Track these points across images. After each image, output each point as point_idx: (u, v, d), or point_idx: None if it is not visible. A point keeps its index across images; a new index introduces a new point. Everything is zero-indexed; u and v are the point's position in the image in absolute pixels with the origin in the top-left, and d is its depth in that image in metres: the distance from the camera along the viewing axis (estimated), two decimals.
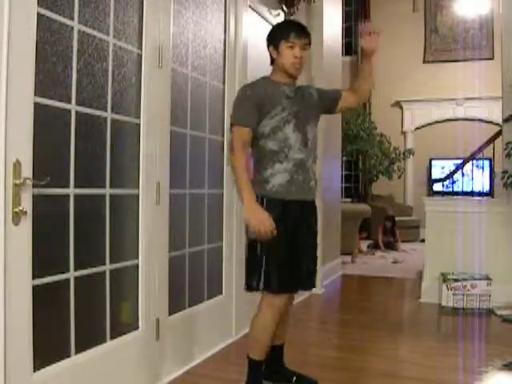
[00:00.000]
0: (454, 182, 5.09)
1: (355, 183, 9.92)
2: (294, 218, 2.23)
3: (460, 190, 5.06)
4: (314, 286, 2.41)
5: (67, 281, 2.02)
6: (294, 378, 2.48)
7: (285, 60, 2.23)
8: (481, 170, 5.09)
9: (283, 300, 2.24)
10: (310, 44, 2.28)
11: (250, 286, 2.25)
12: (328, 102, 2.42)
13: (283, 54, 2.23)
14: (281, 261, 2.19)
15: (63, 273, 2.00)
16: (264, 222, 2.11)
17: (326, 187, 4.84)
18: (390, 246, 7.80)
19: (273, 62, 2.32)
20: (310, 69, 4.65)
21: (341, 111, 2.56)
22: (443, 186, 5.16)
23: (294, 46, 2.20)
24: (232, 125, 2.25)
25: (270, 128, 2.21)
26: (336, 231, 5.53)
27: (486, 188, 5.11)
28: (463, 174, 4.81)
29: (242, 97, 2.26)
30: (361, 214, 6.89)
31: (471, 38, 9.13)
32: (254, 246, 2.21)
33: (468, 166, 4.81)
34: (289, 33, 2.21)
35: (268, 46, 2.30)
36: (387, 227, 7.89)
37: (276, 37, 2.25)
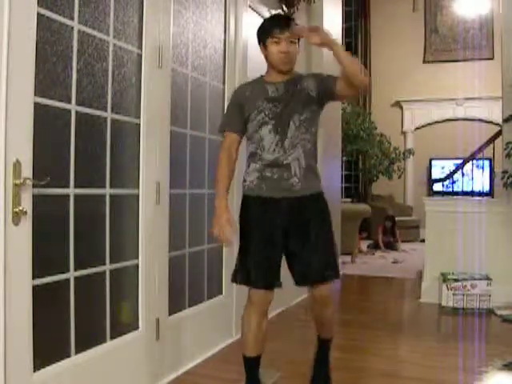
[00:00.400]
0: (453, 182, 5.09)
1: (355, 183, 9.92)
2: (269, 215, 2.20)
3: (460, 190, 5.06)
4: (328, 278, 2.27)
5: (67, 281, 2.02)
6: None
7: (272, 56, 2.20)
8: (481, 169, 5.09)
9: (257, 295, 2.20)
10: (298, 39, 2.21)
11: (232, 277, 2.30)
12: (326, 91, 2.27)
13: (270, 50, 2.19)
14: (250, 255, 2.20)
15: (63, 273, 2.00)
16: (222, 229, 2.16)
17: (326, 187, 4.83)
18: (390, 246, 7.80)
19: (266, 60, 2.28)
20: (310, 69, 4.64)
21: (341, 98, 2.49)
22: (443, 185, 5.16)
23: (280, 41, 2.15)
24: (221, 131, 2.33)
25: (250, 131, 2.25)
26: (336, 231, 5.51)
27: (486, 188, 5.10)
28: (463, 174, 4.81)
29: (229, 102, 2.35)
30: (361, 214, 6.89)
31: (471, 38, 9.12)
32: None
33: (468, 166, 4.81)
34: (272, 28, 2.17)
35: (259, 45, 2.28)
36: (387, 227, 7.89)
37: (262, 34, 2.22)
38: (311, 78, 2.31)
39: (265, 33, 2.20)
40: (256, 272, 2.19)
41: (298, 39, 2.22)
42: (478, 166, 5.20)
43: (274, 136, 2.19)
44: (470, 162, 4.79)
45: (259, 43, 2.25)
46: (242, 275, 2.23)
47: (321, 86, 2.27)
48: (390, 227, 7.89)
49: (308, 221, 2.25)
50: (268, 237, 2.20)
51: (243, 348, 2.30)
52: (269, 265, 2.21)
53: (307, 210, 2.27)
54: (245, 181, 2.29)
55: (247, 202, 2.27)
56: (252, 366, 2.31)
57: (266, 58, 2.24)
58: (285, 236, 2.22)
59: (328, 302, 2.36)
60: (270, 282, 2.22)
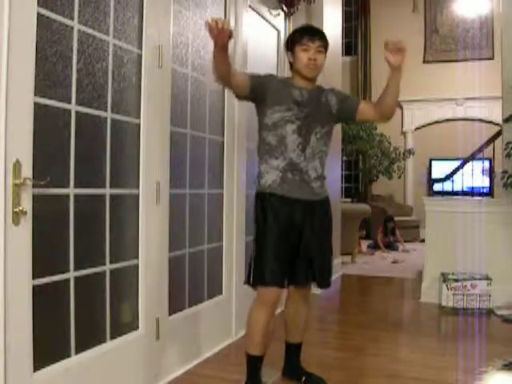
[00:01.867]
0: (452, 181, 5.09)
1: (355, 183, 9.92)
2: (289, 216, 2.27)
3: (460, 189, 5.07)
4: (328, 285, 2.42)
5: (67, 281, 2.02)
6: (304, 378, 2.50)
7: (299, 63, 2.28)
8: (481, 169, 5.09)
9: (271, 295, 2.25)
10: (326, 47, 2.32)
11: (246, 279, 2.34)
12: (346, 113, 2.42)
13: (298, 57, 2.28)
14: (266, 254, 2.23)
15: (63, 273, 2.00)
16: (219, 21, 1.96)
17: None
18: (390, 246, 7.80)
19: (291, 67, 2.38)
20: None
21: (359, 122, 2.62)
22: (443, 185, 5.17)
23: (308, 48, 2.25)
24: None
25: (271, 121, 2.28)
26: (336, 231, 5.52)
27: (486, 188, 5.10)
28: (463, 174, 4.81)
29: (261, 75, 2.39)
30: (361, 214, 6.89)
31: (471, 38, 9.12)
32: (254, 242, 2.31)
33: (468, 166, 4.81)
34: (302, 36, 2.27)
35: (286, 53, 2.39)
36: (388, 228, 7.88)
37: (292, 42, 2.32)
38: (333, 94, 2.42)
39: (295, 40, 2.30)
40: (272, 271, 2.22)
41: (325, 52, 2.31)
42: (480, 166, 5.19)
43: (296, 137, 2.27)
44: (470, 162, 4.80)
45: (287, 50, 2.35)
46: (257, 275, 2.25)
47: (341, 105, 2.39)
48: (391, 228, 7.88)
49: (319, 225, 2.34)
50: (286, 236, 2.25)
51: (249, 346, 2.33)
52: (284, 264, 2.26)
53: (320, 214, 2.36)
54: (263, 177, 2.31)
55: (267, 200, 2.29)
56: (257, 365, 2.34)
57: (292, 65, 2.33)
58: (297, 236, 2.28)
59: (307, 301, 2.48)
60: (284, 281, 2.28)
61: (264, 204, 2.29)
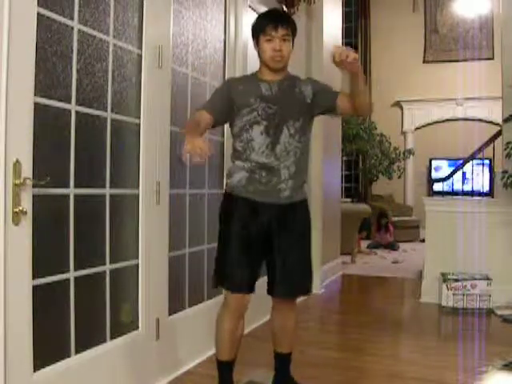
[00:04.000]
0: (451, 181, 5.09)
1: (355, 183, 9.92)
2: (253, 220, 2.13)
3: (460, 189, 5.06)
4: (300, 292, 2.30)
5: (67, 281, 2.02)
6: None
7: (264, 55, 2.12)
8: (481, 169, 5.09)
9: (233, 300, 2.15)
10: (293, 34, 2.14)
11: (212, 282, 2.26)
12: (324, 103, 2.22)
13: (262, 48, 2.12)
14: (226, 258, 2.15)
15: (63, 273, 2.00)
16: (196, 142, 1.85)
17: (326, 187, 4.83)
18: (390, 246, 7.81)
19: (259, 57, 2.22)
20: (310, 69, 4.65)
21: (341, 115, 2.45)
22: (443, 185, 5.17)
23: (272, 38, 2.08)
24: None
25: (238, 128, 2.16)
26: (336, 231, 5.52)
27: (486, 188, 5.10)
28: (464, 174, 4.80)
29: (217, 89, 2.31)
30: (361, 214, 6.89)
31: (471, 38, 9.12)
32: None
33: (468, 166, 4.81)
34: (265, 25, 2.09)
35: (252, 41, 2.21)
36: (382, 224, 7.91)
37: (255, 31, 2.15)
38: (309, 83, 2.24)
39: (258, 29, 2.13)
40: (232, 275, 2.13)
41: (293, 37, 2.15)
42: (479, 165, 5.20)
43: (265, 138, 2.11)
44: (470, 162, 4.79)
45: (253, 38, 2.18)
46: (218, 277, 2.19)
47: (318, 95, 2.20)
48: (384, 224, 7.90)
49: (290, 231, 2.17)
50: (248, 240, 2.12)
51: (216, 351, 2.27)
52: (246, 268, 2.13)
53: (292, 219, 2.19)
54: (230, 176, 2.20)
55: (231, 200, 2.18)
56: (224, 369, 2.26)
57: (259, 54, 2.18)
58: (266, 242, 2.15)
59: (293, 310, 2.33)
60: (247, 285, 2.14)
61: (227, 204, 2.19)
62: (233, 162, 2.21)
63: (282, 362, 2.38)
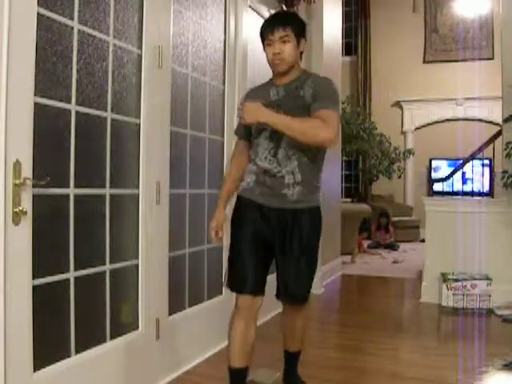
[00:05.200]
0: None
1: (355, 183, 9.92)
2: (261, 222, 2.13)
3: (460, 189, 5.06)
4: (295, 301, 2.24)
5: (67, 281, 2.02)
6: None
7: (267, 59, 2.15)
8: (481, 170, 5.09)
9: (243, 301, 2.11)
10: (295, 33, 2.07)
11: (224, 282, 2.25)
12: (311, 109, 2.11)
13: (266, 52, 2.14)
14: (233, 259, 2.16)
15: (63, 273, 2.00)
16: (209, 231, 2.27)
17: (326, 187, 4.83)
18: (390, 246, 7.81)
19: None
20: (310, 69, 4.64)
21: None
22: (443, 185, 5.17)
23: (272, 42, 2.08)
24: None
25: (253, 132, 2.19)
26: (336, 231, 5.53)
27: (486, 188, 5.10)
28: (463, 174, 4.80)
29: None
30: (361, 214, 6.89)
31: (471, 38, 9.12)
32: None
33: (468, 166, 4.81)
34: (263, 31, 2.12)
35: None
36: (382, 223, 7.91)
37: (260, 37, 2.16)
38: (312, 84, 2.14)
39: (260, 35, 2.16)
40: (242, 277, 2.11)
41: (297, 37, 2.09)
42: (481, 165, 5.19)
43: (268, 143, 2.11)
44: (470, 162, 4.80)
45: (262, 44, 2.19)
46: (230, 280, 2.17)
47: (313, 99, 2.09)
48: (384, 224, 7.90)
49: (293, 238, 2.13)
50: (255, 242, 2.12)
51: (228, 358, 2.16)
52: (252, 269, 2.11)
53: (296, 225, 2.13)
54: (243, 180, 2.24)
55: (240, 203, 2.21)
56: (235, 378, 2.15)
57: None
58: (272, 245, 2.15)
59: (301, 312, 2.33)
60: (257, 287, 2.12)
61: (237, 207, 2.21)
62: (248, 167, 2.23)
63: (291, 361, 2.41)
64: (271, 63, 2.13)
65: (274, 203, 2.13)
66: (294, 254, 2.14)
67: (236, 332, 2.12)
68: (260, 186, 2.14)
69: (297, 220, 2.13)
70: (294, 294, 2.20)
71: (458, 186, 5.14)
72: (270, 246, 2.15)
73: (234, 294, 2.17)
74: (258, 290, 2.13)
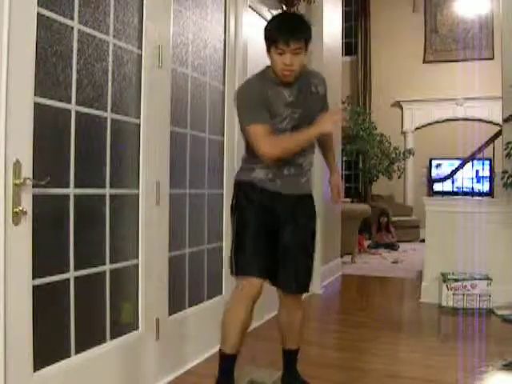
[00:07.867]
0: (452, 181, 5.08)
1: (355, 183, 9.92)
2: (275, 208, 2.19)
3: (460, 189, 5.07)
4: (301, 289, 2.29)
5: (67, 281, 2.02)
6: None
7: (275, 66, 2.09)
8: (481, 169, 5.09)
9: (247, 286, 2.11)
10: (306, 44, 2.07)
11: (230, 270, 2.24)
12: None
13: (273, 59, 2.08)
14: (243, 243, 2.16)
15: (63, 273, 2.00)
16: (329, 118, 2.12)
17: (326, 187, 4.82)
18: (390, 246, 7.81)
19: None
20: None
21: None
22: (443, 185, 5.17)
23: (283, 52, 2.03)
24: (246, 127, 2.15)
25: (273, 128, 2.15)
26: (336, 231, 5.52)
27: (486, 188, 5.10)
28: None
29: (250, 97, 2.15)
30: (361, 214, 6.89)
31: (471, 38, 9.12)
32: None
33: (468, 166, 4.81)
34: (277, 39, 2.02)
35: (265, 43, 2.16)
36: (382, 223, 7.91)
37: (267, 39, 2.09)
38: (322, 84, 2.28)
39: (270, 39, 2.06)
40: (254, 261, 2.13)
41: (307, 46, 2.09)
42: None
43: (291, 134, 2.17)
44: (471, 162, 4.80)
45: (265, 41, 2.11)
46: (238, 263, 2.16)
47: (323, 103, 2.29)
48: (385, 223, 7.90)
49: (297, 222, 2.24)
50: (267, 227, 2.18)
51: (224, 344, 2.19)
52: (265, 256, 2.16)
53: (302, 211, 2.28)
54: (253, 170, 2.21)
55: (252, 190, 2.20)
56: (231, 365, 2.21)
57: (270, 59, 2.13)
58: (281, 227, 2.20)
59: (299, 305, 2.33)
60: (266, 273, 2.15)
61: (247, 194, 2.21)
62: (256, 158, 2.18)
63: (290, 359, 2.39)
64: (280, 72, 2.09)
65: (292, 190, 2.23)
66: (300, 222, 2.23)
67: (237, 320, 2.14)
68: (280, 177, 2.20)
69: (302, 201, 2.28)
70: (303, 282, 2.27)
71: (458, 185, 5.14)
72: (275, 233, 2.20)
73: (233, 292, 2.17)
74: (266, 276, 2.16)
